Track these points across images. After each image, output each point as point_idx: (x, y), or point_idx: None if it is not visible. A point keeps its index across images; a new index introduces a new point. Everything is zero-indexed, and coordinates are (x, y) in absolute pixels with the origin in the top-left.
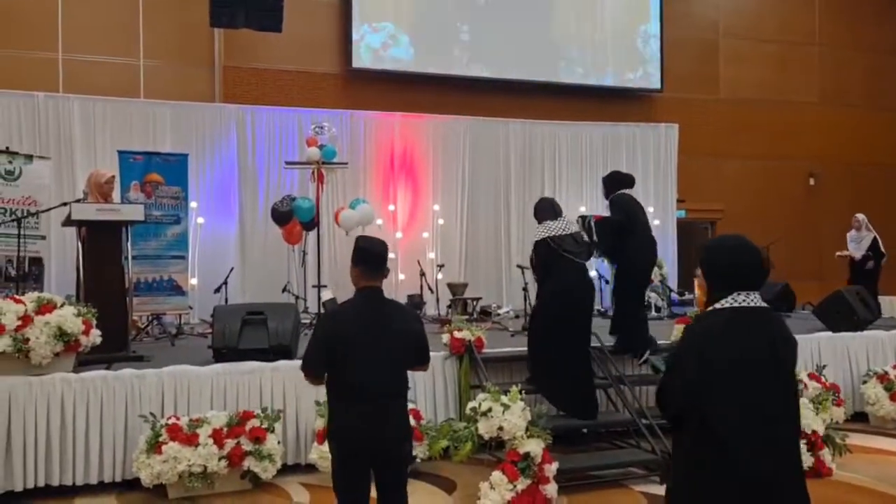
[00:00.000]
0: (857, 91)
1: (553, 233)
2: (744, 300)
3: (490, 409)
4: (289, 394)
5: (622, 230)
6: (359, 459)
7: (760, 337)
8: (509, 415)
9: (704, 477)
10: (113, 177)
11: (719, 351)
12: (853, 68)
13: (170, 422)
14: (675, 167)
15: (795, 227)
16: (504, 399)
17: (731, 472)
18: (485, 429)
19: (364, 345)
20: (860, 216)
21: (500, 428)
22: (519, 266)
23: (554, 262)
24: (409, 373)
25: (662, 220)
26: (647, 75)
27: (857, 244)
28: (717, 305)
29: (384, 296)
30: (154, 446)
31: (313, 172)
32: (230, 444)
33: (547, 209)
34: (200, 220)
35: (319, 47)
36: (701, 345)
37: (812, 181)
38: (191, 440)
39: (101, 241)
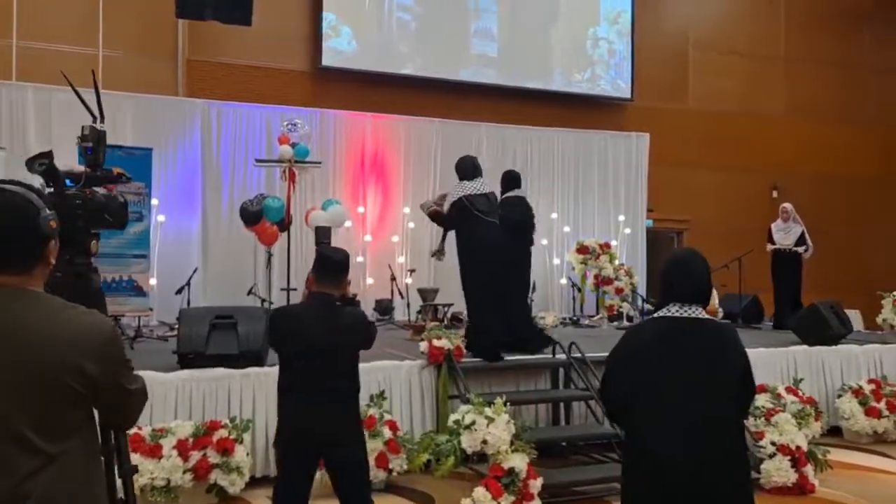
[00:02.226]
0: (821, 105)
1: (468, 192)
2: (678, 311)
3: (474, 422)
4: (259, 402)
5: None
6: (298, 458)
7: (689, 347)
8: (493, 428)
9: (633, 476)
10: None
11: (646, 358)
12: (818, 82)
13: (131, 432)
14: (646, 176)
15: (760, 239)
16: (488, 411)
17: (653, 475)
18: (468, 443)
19: (306, 342)
20: (788, 206)
21: (485, 442)
22: None
23: (465, 221)
24: (387, 384)
25: (633, 228)
26: (595, 77)
27: (784, 234)
28: (656, 315)
29: (335, 302)
30: None
31: (284, 171)
32: (196, 455)
33: (468, 168)
34: (161, 217)
35: (289, 44)
36: (629, 353)
37: (775, 193)
38: (153, 451)
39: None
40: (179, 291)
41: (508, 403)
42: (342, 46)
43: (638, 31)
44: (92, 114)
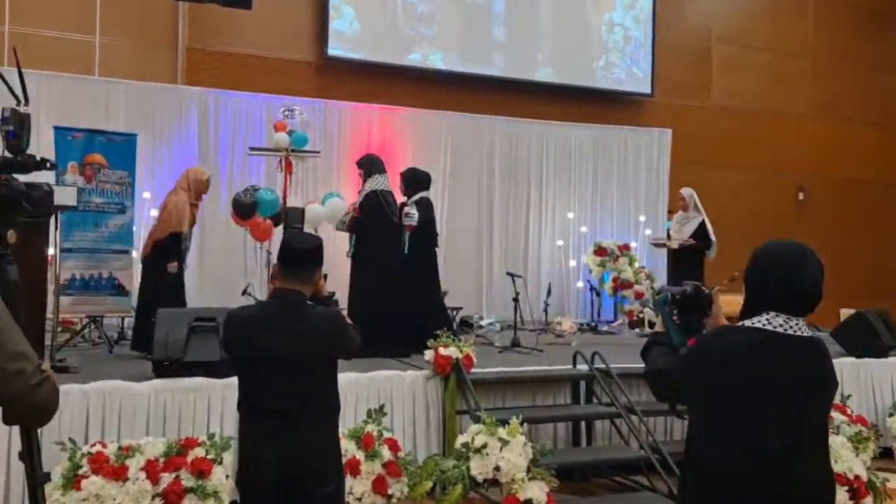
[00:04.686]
0: (850, 104)
1: (380, 187)
2: (781, 325)
3: (485, 445)
4: None
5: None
6: (260, 501)
7: (789, 372)
8: (508, 452)
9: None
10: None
11: (733, 380)
12: (847, 81)
13: (93, 450)
14: (668, 174)
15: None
16: (502, 432)
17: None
18: (479, 469)
19: (264, 353)
20: (686, 192)
21: (497, 468)
22: (510, 274)
23: (377, 213)
24: (387, 396)
25: (654, 230)
26: (609, 65)
27: (679, 226)
28: (748, 322)
29: (303, 302)
30: (71, 480)
31: (280, 161)
32: (167, 478)
33: (378, 163)
34: (154, 212)
35: (292, 32)
36: (712, 367)
37: (801, 195)
38: (118, 473)
39: (22, 229)
40: None
41: (525, 423)
42: (344, 28)
43: (659, 25)
44: (15, 96)
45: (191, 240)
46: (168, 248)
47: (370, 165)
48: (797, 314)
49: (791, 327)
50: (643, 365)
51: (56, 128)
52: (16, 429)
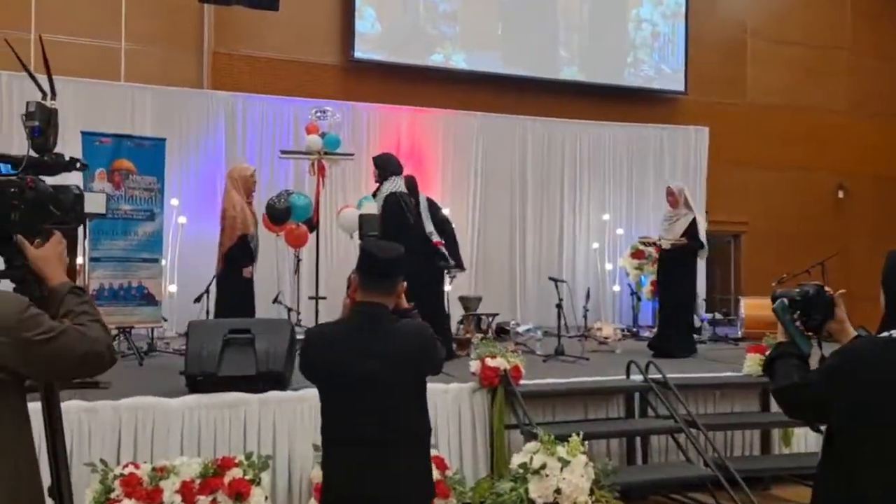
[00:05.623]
0: (889, 99)
1: (397, 189)
2: None
3: (544, 466)
4: (280, 434)
5: None
6: None
7: None
8: (569, 473)
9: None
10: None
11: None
12: (886, 76)
13: (125, 472)
14: (705, 174)
15: (823, 243)
16: (561, 451)
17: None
18: (538, 491)
19: (349, 374)
20: (675, 187)
21: (558, 491)
22: (552, 279)
23: (399, 215)
24: (432, 411)
25: None
26: (637, 62)
27: (669, 224)
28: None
29: (388, 315)
30: None
31: (312, 164)
32: (203, 501)
33: (395, 164)
34: (182, 219)
35: (319, 35)
36: (871, 385)
37: (841, 194)
38: (152, 497)
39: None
40: (198, 300)
41: (588, 443)
42: (365, 29)
43: (692, 20)
44: (41, 89)
45: (258, 239)
46: (239, 255)
47: (387, 165)
48: None
49: None
50: (745, 375)
51: (84, 133)
52: (45, 462)
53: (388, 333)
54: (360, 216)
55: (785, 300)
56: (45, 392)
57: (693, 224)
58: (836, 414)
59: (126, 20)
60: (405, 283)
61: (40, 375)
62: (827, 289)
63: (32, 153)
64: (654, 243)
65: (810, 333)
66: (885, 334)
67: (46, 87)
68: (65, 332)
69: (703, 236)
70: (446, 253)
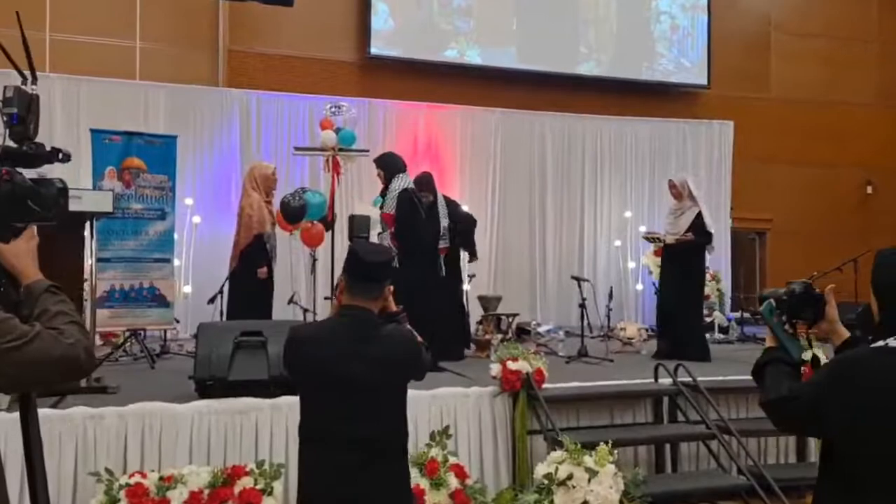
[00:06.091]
0: None
1: (409, 185)
2: None
3: (571, 477)
4: (293, 441)
5: None
6: None
7: None
8: (597, 484)
9: None
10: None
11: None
12: None
13: (131, 481)
14: (730, 170)
15: (851, 240)
16: (588, 461)
17: None
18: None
19: (329, 375)
20: (677, 179)
21: (586, 503)
22: (575, 278)
23: (413, 211)
24: (451, 416)
25: (716, 228)
26: (656, 56)
27: (674, 219)
28: (893, 342)
29: (375, 321)
30: None
31: (327, 161)
32: None
33: (400, 162)
34: (197, 219)
35: (334, 32)
36: (869, 399)
37: (870, 189)
38: None
39: (54, 239)
40: (212, 301)
41: (616, 451)
42: (379, 25)
43: (714, 13)
44: (21, 73)
45: (276, 239)
46: (255, 254)
47: (392, 165)
48: None
49: None
50: (756, 386)
51: (93, 130)
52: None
53: (373, 338)
54: (351, 217)
55: (772, 301)
56: (22, 402)
57: (699, 217)
58: (834, 425)
59: (141, 19)
60: (392, 287)
61: (11, 385)
62: (815, 286)
63: (10, 143)
64: (658, 239)
65: (806, 333)
66: (880, 343)
67: (26, 69)
68: (38, 337)
69: (710, 228)
70: (442, 263)
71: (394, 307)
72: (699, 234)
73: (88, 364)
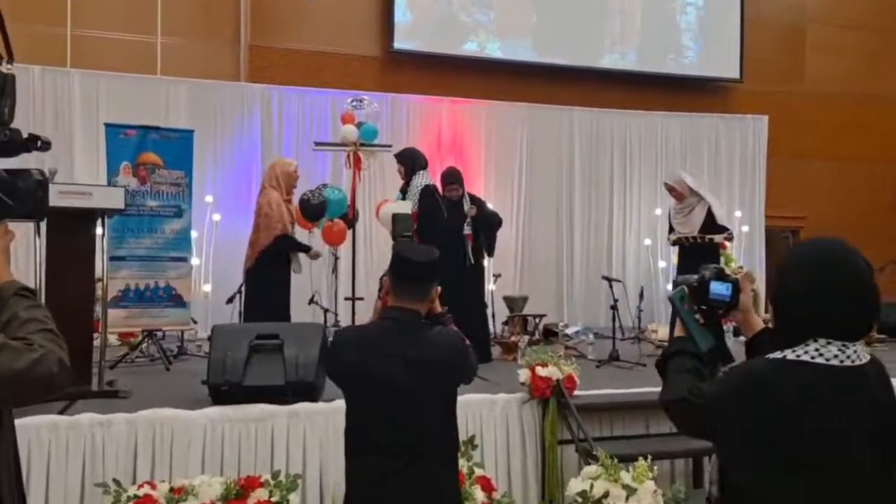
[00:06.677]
0: None
1: (431, 181)
2: (836, 356)
3: (607, 495)
4: (311, 450)
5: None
6: None
7: (856, 419)
8: (635, 503)
9: None
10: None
11: (784, 436)
12: None
13: (140, 492)
14: (765, 165)
15: (889, 238)
16: (626, 477)
17: None
18: None
19: (376, 380)
20: (672, 181)
21: None
22: (605, 278)
23: (438, 209)
24: (476, 425)
25: (750, 226)
26: (682, 48)
27: (684, 217)
28: (790, 354)
29: (421, 323)
30: None
31: (348, 156)
32: None
33: (422, 157)
34: (217, 216)
35: (356, 26)
36: (770, 418)
37: None
38: None
39: (65, 237)
40: (230, 300)
41: (656, 467)
42: (397, 18)
43: (747, 4)
44: None
45: (296, 237)
46: (277, 254)
47: (414, 160)
48: (855, 338)
49: (850, 356)
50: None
51: (107, 125)
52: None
53: (420, 341)
54: (394, 215)
55: (684, 287)
56: None
57: (710, 213)
58: (731, 442)
59: (162, 14)
60: (439, 288)
61: None
62: (729, 272)
63: None
64: (687, 239)
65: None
66: (778, 355)
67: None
68: (1, 350)
69: (723, 221)
70: (469, 251)
71: (439, 308)
72: (714, 230)
73: (62, 378)
